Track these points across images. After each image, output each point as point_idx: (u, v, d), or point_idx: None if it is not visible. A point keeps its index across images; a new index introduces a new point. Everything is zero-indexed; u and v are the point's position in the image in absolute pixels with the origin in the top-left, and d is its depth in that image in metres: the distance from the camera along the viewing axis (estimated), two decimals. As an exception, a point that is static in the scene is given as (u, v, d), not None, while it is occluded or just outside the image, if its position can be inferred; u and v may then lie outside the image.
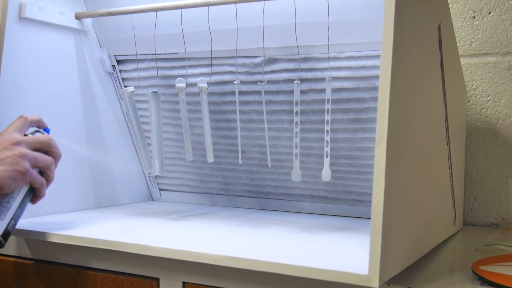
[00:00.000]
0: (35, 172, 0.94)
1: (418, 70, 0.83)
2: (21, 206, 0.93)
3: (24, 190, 0.94)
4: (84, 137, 1.26)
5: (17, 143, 0.91)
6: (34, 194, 0.97)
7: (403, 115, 0.76)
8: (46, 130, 1.01)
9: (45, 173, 0.97)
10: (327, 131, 1.06)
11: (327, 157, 1.07)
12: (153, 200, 1.46)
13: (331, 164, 1.17)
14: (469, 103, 1.25)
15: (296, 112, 1.08)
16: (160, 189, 1.45)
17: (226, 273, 0.87)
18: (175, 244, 0.90)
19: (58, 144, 1.07)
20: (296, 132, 1.09)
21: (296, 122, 1.09)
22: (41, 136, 0.96)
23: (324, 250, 0.90)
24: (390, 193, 0.70)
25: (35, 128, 1.01)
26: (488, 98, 1.24)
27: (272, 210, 1.30)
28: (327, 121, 1.06)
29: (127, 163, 1.37)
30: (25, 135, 0.96)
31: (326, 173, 1.07)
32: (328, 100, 1.05)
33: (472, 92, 1.25)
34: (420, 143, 0.86)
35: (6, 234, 0.90)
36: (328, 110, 1.05)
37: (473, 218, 1.26)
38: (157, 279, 0.94)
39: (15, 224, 0.92)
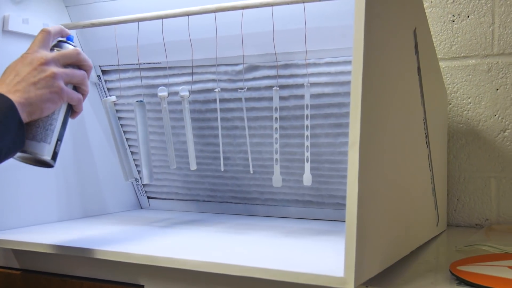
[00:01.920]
0: (70, 90, 0.92)
1: (393, 74, 0.84)
2: (63, 125, 0.93)
3: (63, 108, 0.93)
4: (70, 146, 1.27)
5: (47, 63, 0.88)
6: (72, 110, 0.95)
7: (377, 119, 0.77)
8: (69, 38, 0.98)
9: (79, 88, 0.95)
10: (307, 136, 1.07)
11: (307, 162, 1.08)
12: (141, 208, 1.47)
13: (314, 168, 1.18)
14: (450, 105, 1.27)
15: (276, 118, 1.10)
16: (149, 197, 1.46)
17: (209, 279, 0.88)
18: (160, 251, 0.91)
19: None
20: (276, 138, 1.10)
21: (276, 128, 1.10)
22: (69, 51, 0.93)
23: (304, 253, 0.91)
24: (365, 196, 0.72)
25: (58, 38, 0.97)
26: (469, 100, 1.26)
27: (258, 215, 1.31)
28: (307, 126, 1.07)
29: (115, 171, 1.38)
30: (51, 48, 0.94)
31: (307, 178, 1.08)
32: (307, 105, 1.06)
33: (453, 94, 1.26)
34: (397, 146, 0.87)
35: (55, 155, 0.92)
36: (307, 115, 1.06)
37: (457, 219, 1.27)
38: (142, 286, 0.95)
39: (61, 143, 0.93)
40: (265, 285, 0.82)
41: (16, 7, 1.15)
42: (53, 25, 0.95)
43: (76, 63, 0.94)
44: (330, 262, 0.82)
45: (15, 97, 0.83)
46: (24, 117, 0.84)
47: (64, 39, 0.97)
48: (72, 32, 1.26)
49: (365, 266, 0.73)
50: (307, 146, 1.07)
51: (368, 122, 0.73)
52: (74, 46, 0.97)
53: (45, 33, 0.92)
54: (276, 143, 1.10)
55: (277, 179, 1.11)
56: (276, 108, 1.09)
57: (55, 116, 0.91)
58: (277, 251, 0.93)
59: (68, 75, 0.91)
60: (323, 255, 0.90)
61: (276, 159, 1.10)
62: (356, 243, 0.69)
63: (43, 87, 0.86)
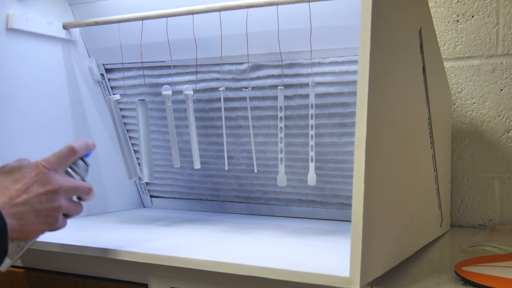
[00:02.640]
0: (62, 220, 0.85)
1: (398, 74, 0.84)
2: (33, 243, 0.86)
3: None
4: (73, 145, 1.27)
5: (59, 192, 0.82)
6: None
7: (383, 119, 0.77)
8: (87, 155, 0.91)
9: (66, 214, 0.87)
10: (312, 135, 1.07)
11: (312, 161, 1.08)
12: (144, 207, 1.47)
13: (318, 168, 1.18)
14: (454, 105, 1.26)
15: (281, 117, 1.09)
16: (151, 196, 1.46)
17: (213, 278, 0.88)
18: (163, 250, 0.91)
19: (48, 152, 1.06)
20: (281, 138, 1.10)
21: (281, 127, 1.10)
22: (82, 187, 0.87)
23: (309, 253, 0.91)
24: (370, 196, 0.71)
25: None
26: (473, 100, 1.25)
27: (262, 215, 1.31)
28: (311, 126, 1.07)
29: (117, 170, 1.38)
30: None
31: (311, 177, 1.08)
32: (312, 105, 1.06)
33: (457, 95, 1.26)
34: (402, 146, 0.87)
35: (8, 266, 0.84)
36: (312, 115, 1.06)
37: (461, 220, 1.27)
38: (146, 285, 0.95)
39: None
40: (270, 284, 0.82)
41: (20, 5, 1.15)
42: (80, 142, 0.89)
43: (81, 197, 0.89)
44: (334, 262, 0.82)
45: (11, 221, 0.77)
46: (8, 240, 0.77)
47: (82, 157, 0.91)
48: (76, 31, 1.26)
49: (371, 266, 0.73)
50: (312, 145, 1.07)
51: (374, 122, 0.73)
52: (87, 164, 0.92)
53: (71, 152, 0.87)
54: (281, 143, 1.10)
55: (281, 179, 1.11)
56: (281, 107, 1.09)
57: (34, 240, 0.85)
58: (281, 251, 0.93)
59: (69, 209, 0.85)
60: (327, 255, 0.90)
61: (281, 159, 1.10)
62: (362, 243, 0.69)
63: (43, 217, 0.81)
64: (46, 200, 0.81)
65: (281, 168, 1.11)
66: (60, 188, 0.83)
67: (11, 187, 0.79)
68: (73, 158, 0.88)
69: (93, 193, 0.90)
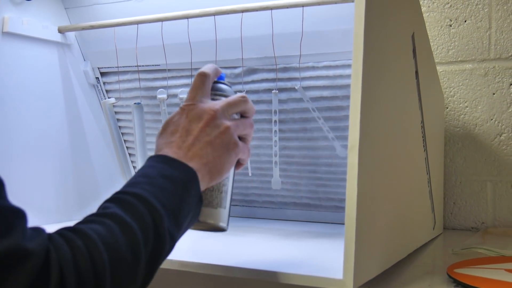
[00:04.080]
0: (241, 143, 0.78)
1: (391, 78, 0.85)
2: (233, 182, 0.81)
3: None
4: (68, 148, 1.27)
5: (217, 116, 0.75)
6: (237, 162, 0.80)
7: (376, 122, 0.78)
8: (222, 77, 0.83)
9: (243, 138, 0.80)
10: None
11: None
12: (139, 210, 1.47)
13: (312, 171, 1.19)
14: (447, 109, 1.28)
15: (275, 121, 1.10)
16: (146, 199, 1.46)
17: (208, 281, 0.88)
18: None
19: (43, 156, 1.06)
20: (275, 141, 1.11)
21: (275, 131, 1.10)
22: (235, 99, 0.78)
23: (303, 256, 0.92)
24: (364, 199, 0.72)
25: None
26: (466, 104, 1.26)
27: (256, 218, 1.32)
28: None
29: (113, 173, 1.38)
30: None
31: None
32: (306, 108, 1.07)
33: (450, 98, 1.27)
34: (395, 149, 0.88)
35: (228, 219, 0.81)
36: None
37: (454, 223, 1.28)
38: (141, 288, 0.95)
39: (231, 203, 0.81)
40: (265, 287, 0.82)
41: (16, 9, 1.15)
42: (207, 65, 0.81)
43: (242, 111, 0.80)
44: (328, 264, 0.83)
45: (194, 164, 0.71)
46: (203, 186, 0.72)
47: (216, 80, 0.82)
48: (71, 34, 1.27)
49: (364, 268, 0.74)
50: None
51: (367, 125, 0.73)
52: (229, 86, 0.83)
53: (204, 77, 0.78)
54: (276, 146, 1.11)
55: (276, 181, 1.12)
56: (275, 111, 1.10)
57: (228, 175, 0.78)
58: (275, 253, 0.93)
59: (239, 127, 0.77)
60: (321, 257, 0.90)
61: (275, 162, 1.11)
62: (355, 245, 0.70)
63: (220, 146, 0.74)
64: (211, 129, 0.74)
65: (276, 171, 1.12)
66: (215, 111, 0.75)
67: (173, 139, 0.74)
68: (208, 82, 0.79)
69: (250, 102, 0.80)
